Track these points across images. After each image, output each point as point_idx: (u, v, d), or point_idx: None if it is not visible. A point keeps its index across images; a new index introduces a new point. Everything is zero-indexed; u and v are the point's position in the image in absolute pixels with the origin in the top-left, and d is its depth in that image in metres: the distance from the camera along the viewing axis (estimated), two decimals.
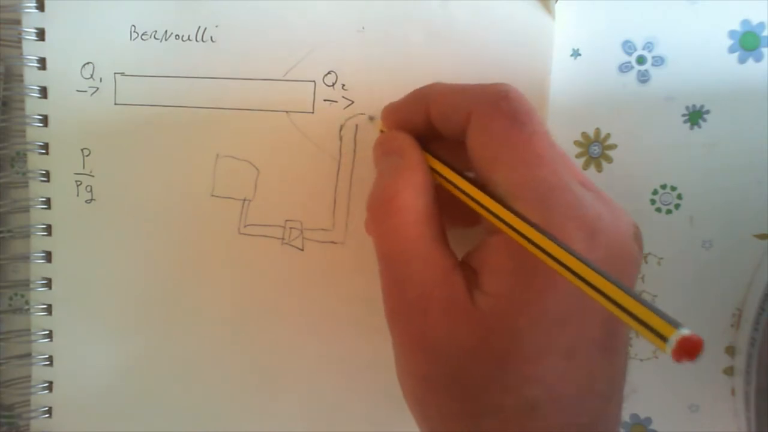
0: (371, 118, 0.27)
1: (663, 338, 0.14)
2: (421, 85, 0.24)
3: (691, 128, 0.27)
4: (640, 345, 0.28)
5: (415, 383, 0.22)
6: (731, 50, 0.26)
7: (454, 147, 0.23)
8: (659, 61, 0.27)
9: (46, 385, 0.32)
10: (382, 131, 0.26)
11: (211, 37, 0.28)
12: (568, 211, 0.19)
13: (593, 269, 0.17)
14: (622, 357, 0.21)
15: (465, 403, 0.20)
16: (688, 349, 0.14)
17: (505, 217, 0.20)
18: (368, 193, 0.22)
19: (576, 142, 0.27)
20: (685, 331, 0.14)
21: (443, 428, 0.21)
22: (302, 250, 0.29)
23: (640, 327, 0.15)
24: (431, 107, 0.23)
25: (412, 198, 0.21)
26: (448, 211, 0.23)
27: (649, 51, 0.27)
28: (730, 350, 0.28)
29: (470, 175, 0.22)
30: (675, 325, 0.14)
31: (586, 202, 0.20)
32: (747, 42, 0.26)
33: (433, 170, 0.23)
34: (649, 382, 0.28)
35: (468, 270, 0.21)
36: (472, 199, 0.21)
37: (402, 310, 0.21)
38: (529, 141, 0.20)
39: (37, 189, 0.31)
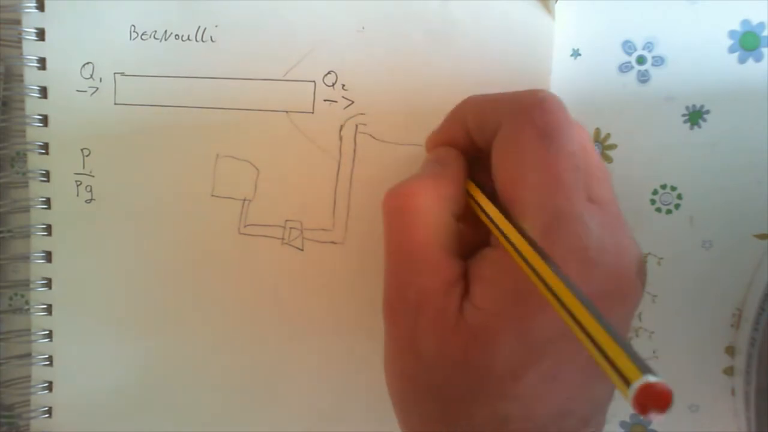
0: None
1: (627, 382, 0.12)
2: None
3: (691, 128, 0.27)
4: (639, 345, 0.28)
5: (401, 381, 0.22)
6: (731, 50, 0.26)
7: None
8: (659, 61, 0.27)
9: (46, 385, 0.32)
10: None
11: (211, 37, 0.28)
12: (572, 242, 0.19)
13: (572, 291, 0.15)
14: (607, 382, 0.21)
15: (442, 407, 0.20)
16: (655, 399, 0.12)
17: (508, 232, 0.19)
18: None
19: None
20: (651, 378, 0.12)
21: (421, 429, 0.21)
22: (302, 250, 0.29)
23: (605, 364, 0.13)
24: (468, 122, 0.23)
25: (432, 203, 0.21)
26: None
27: (649, 51, 0.27)
28: (730, 350, 0.28)
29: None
30: (643, 370, 0.12)
31: (592, 233, 0.19)
32: (747, 42, 0.26)
33: (468, 195, 0.22)
34: None
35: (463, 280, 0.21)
36: (482, 210, 0.21)
37: (398, 306, 0.21)
38: (554, 161, 0.20)
39: (37, 189, 0.31)
